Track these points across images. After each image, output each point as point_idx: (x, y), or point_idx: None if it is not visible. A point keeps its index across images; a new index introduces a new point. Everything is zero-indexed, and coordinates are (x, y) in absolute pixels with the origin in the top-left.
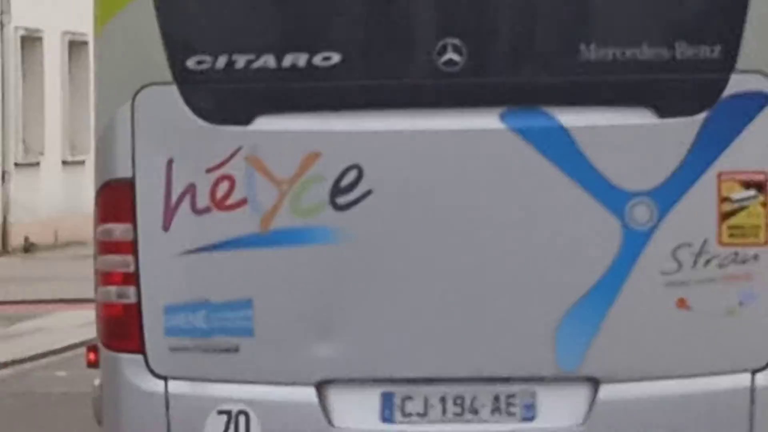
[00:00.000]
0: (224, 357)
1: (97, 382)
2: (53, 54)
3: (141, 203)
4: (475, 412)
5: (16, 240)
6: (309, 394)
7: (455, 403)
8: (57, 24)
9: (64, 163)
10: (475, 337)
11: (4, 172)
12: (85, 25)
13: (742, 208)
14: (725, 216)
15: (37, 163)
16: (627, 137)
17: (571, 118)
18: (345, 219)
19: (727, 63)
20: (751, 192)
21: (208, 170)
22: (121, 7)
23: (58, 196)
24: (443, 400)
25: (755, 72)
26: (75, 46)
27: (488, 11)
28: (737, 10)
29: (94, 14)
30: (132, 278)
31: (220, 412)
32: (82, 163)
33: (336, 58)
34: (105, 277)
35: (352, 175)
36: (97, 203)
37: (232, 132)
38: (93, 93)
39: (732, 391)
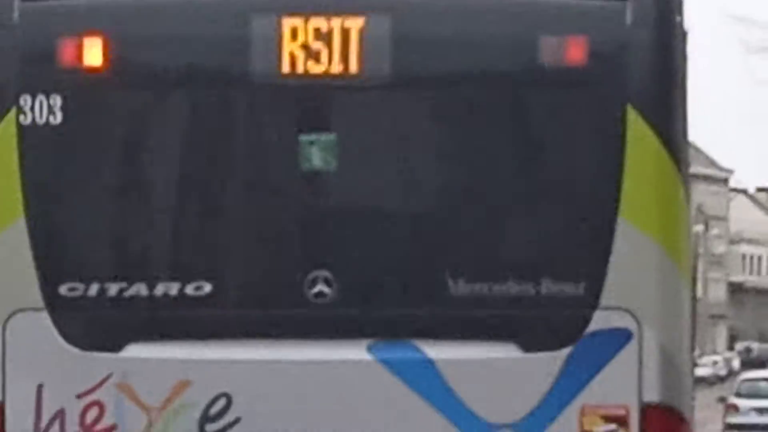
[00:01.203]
0: None
1: None
2: None
3: (11, 428)
4: None
5: None
6: None
7: None
8: None
9: None
10: None
11: None
12: None
13: None
14: None
15: None
16: (492, 370)
17: (437, 351)
18: None
19: (591, 300)
20: (612, 426)
21: (78, 396)
22: None
23: None
24: None
25: (618, 309)
26: None
27: (358, 246)
28: (600, 248)
29: None
30: None
31: None
32: None
33: (207, 287)
34: None
35: (221, 403)
36: None
37: (102, 358)
38: None
39: None
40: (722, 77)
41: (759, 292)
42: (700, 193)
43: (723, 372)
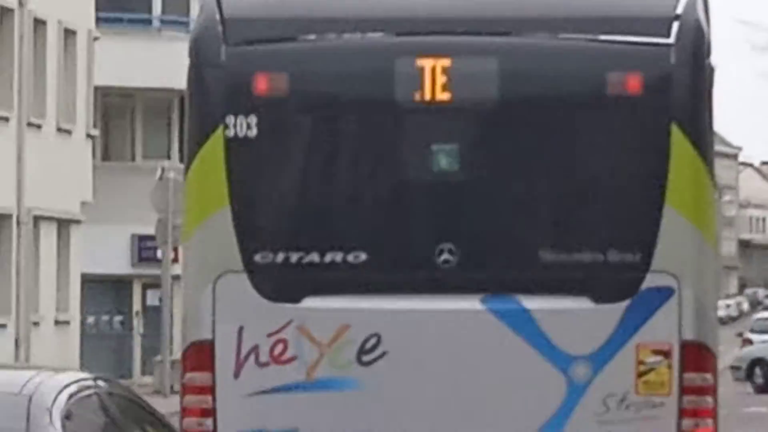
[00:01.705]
0: None
1: None
2: None
3: (217, 359)
4: None
5: None
6: None
7: None
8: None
9: None
10: None
11: None
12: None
13: (652, 369)
14: (641, 374)
15: None
16: (571, 316)
17: (531, 302)
18: (367, 372)
19: (644, 265)
20: (659, 357)
21: (268, 335)
22: (204, 218)
23: None
24: None
25: (664, 272)
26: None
27: (473, 225)
28: (651, 227)
29: (184, 221)
30: (209, 412)
31: None
32: None
33: (363, 256)
34: (187, 412)
35: (373, 341)
36: (184, 357)
37: (286, 308)
38: (182, 275)
39: None
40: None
41: (764, 247)
42: (715, 166)
43: (735, 313)
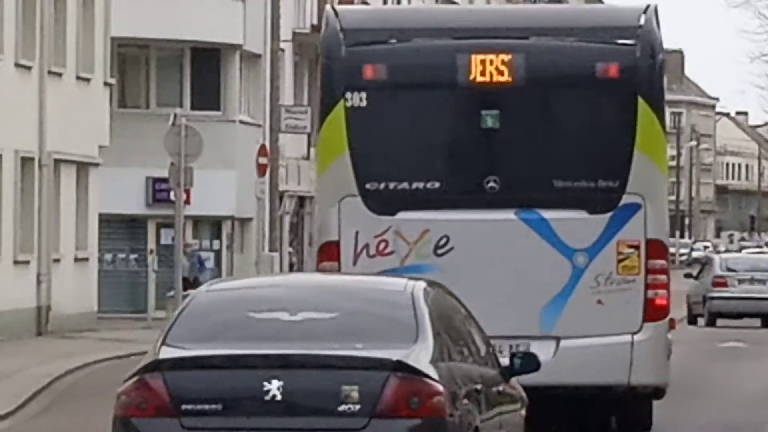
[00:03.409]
0: None
1: None
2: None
3: (341, 253)
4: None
5: None
6: None
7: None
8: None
9: None
10: (502, 315)
11: None
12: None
13: (628, 257)
14: (620, 260)
15: None
16: (574, 222)
17: (547, 213)
18: (440, 260)
19: (621, 189)
20: (632, 249)
21: (375, 236)
22: (332, 160)
23: None
24: None
25: (634, 194)
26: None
27: (510, 164)
28: (626, 164)
29: (317, 162)
30: None
31: None
32: None
33: (437, 184)
34: None
35: (444, 240)
36: (319, 252)
37: (386, 219)
38: (316, 198)
39: (622, 343)
40: (711, 27)
41: (739, 192)
42: (693, 116)
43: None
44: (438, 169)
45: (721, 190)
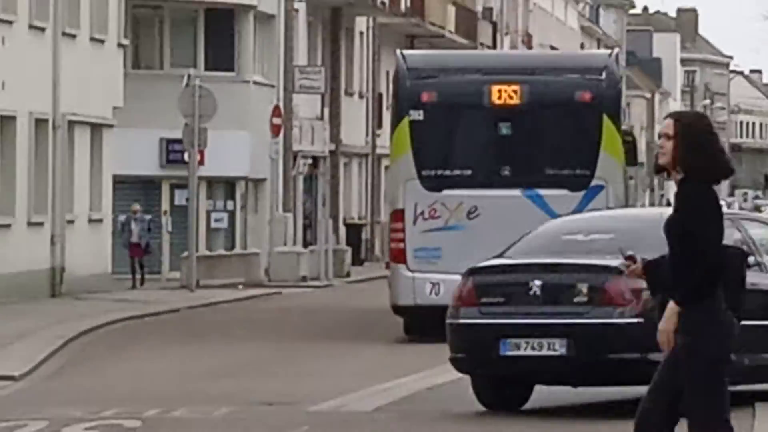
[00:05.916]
0: (432, 261)
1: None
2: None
3: (406, 216)
4: None
5: None
6: None
7: None
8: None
9: None
10: None
11: None
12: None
13: None
14: None
15: None
16: (560, 197)
17: (543, 191)
18: (471, 222)
19: (590, 175)
20: None
21: (428, 206)
22: (400, 155)
23: None
24: None
25: (601, 178)
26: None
27: (517, 158)
28: (595, 159)
29: (391, 152)
30: (403, 240)
31: (431, 283)
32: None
33: (469, 172)
34: (392, 241)
35: (473, 209)
36: (391, 217)
37: (435, 194)
38: (386, 179)
39: None
40: None
41: (753, 150)
42: (707, 74)
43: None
44: (470, 162)
45: (735, 149)
